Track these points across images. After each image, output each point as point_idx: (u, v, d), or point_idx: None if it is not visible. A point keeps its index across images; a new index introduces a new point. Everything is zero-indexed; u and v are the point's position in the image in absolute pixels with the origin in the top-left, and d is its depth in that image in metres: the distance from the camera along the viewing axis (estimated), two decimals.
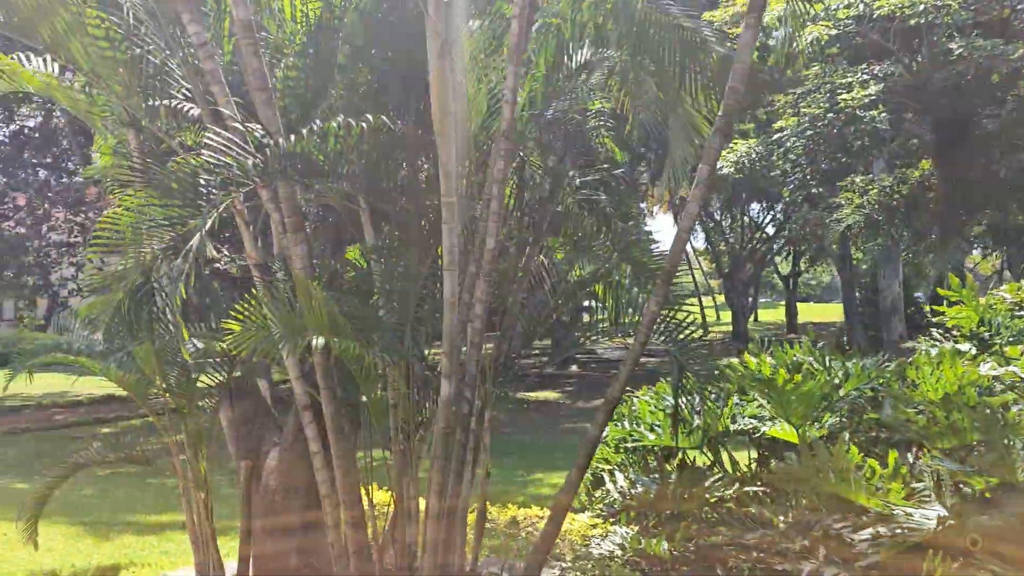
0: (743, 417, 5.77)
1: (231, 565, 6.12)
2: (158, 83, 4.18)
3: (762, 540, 4.33)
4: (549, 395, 21.29)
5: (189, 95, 4.22)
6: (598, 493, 6.58)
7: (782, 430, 5.34)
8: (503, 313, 4.72)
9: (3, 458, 16.10)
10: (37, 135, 22.96)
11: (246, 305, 3.57)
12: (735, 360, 5.90)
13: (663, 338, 4.34)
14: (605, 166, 5.10)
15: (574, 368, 25.74)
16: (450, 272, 3.92)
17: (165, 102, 4.83)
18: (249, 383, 6.37)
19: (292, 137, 3.54)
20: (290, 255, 3.91)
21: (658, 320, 4.26)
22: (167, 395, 5.45)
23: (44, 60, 5.61)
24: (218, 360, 5.79)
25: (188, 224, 3.78)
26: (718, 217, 34.53)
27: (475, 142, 4.58)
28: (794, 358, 5.53)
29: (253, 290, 3.90)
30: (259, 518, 5.78)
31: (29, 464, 15.33)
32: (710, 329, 33.07)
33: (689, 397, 4.98)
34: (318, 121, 3.66)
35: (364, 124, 3.50)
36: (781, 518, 4.49)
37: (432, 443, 4.24)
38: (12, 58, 5.63)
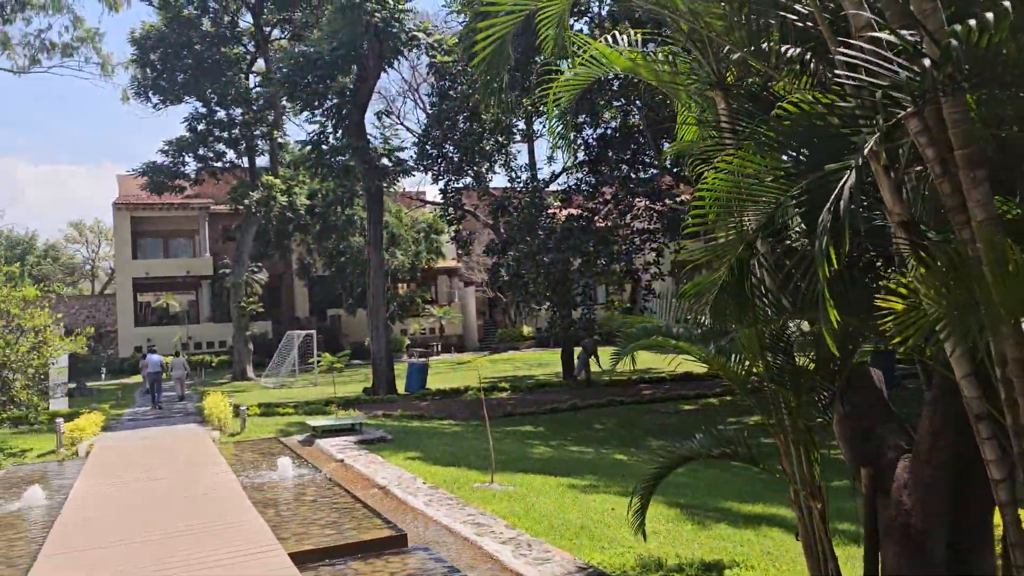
0: None
1: None
2: None
3: None
4: None
5: (805, 12, 3.37)
6: None
7: None
8: None
9: (604, 428, 17.93)
10: (617, 135, 25.26)
11: (906, 280, 2.56)
12: None
13: None
14: None
15: None
16: None
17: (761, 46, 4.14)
18: (862, 373, 5.34)
19: (959, 28, 2.42)
20: (967, 201, 2.74)
21: None
22: (771, 385, 4.77)
23: (626, 37, 5.54)
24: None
25: (807, 176, 2.98)
26: None
27: None
28: None
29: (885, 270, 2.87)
30: (886, 540, 4.71)
31: (622, 434, 16.77)
32: None
33: None
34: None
35: None
36: None
37: None
38: (601, 41, 5.67)
